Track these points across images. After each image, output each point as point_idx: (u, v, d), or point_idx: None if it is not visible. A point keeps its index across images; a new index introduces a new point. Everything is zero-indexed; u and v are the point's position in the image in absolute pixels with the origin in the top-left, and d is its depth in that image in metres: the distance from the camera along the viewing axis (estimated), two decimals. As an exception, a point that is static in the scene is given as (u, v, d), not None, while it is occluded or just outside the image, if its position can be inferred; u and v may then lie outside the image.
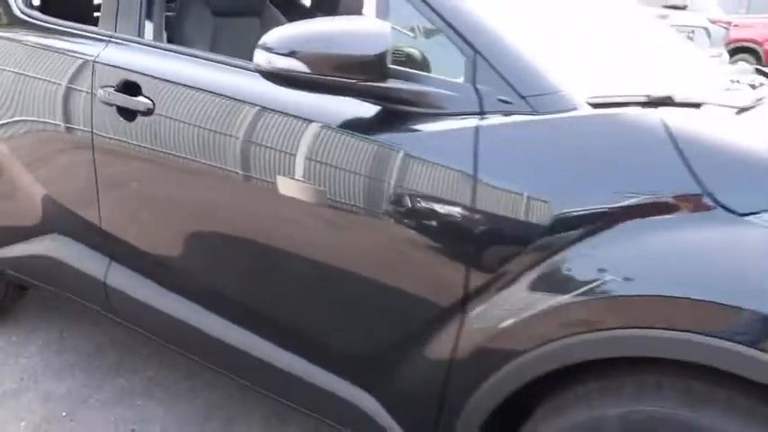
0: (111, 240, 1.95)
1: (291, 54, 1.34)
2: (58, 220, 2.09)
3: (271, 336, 1.68)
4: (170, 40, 2.23)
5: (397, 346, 1.44)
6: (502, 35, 1.36)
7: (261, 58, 1.37)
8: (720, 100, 1.40)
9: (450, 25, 1.39)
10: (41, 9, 2.32)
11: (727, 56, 9.20)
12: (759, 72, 2.00)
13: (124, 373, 2.29)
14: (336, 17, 1.39)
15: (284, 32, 1.37)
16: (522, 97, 1.30)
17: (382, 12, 1.67)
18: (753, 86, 1.70)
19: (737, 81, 1.76)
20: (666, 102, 1.34)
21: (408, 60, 1.73)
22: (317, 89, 1.38)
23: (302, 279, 1.57)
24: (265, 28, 1.86)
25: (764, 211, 1.10)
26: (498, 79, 1.33)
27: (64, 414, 2.09)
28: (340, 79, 1.34)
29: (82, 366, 2.32)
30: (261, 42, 1.38)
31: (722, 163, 1.16)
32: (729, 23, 9.79)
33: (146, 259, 1.89)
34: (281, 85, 1.39)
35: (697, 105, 1.35)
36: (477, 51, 1.35)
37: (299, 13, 2.95)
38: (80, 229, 2.03)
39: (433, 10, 1.41)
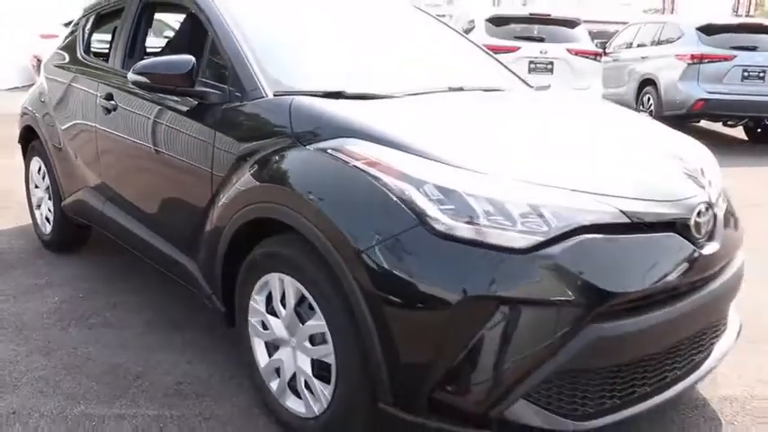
0: (99, 183, 3.35)
1: (141, 73, 2.62)
2: (85, 178, 3.52)
3: (151, 228, 2.97)
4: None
5: (194, 228, 2.63)
6: (245, 59, 2.54)
7: (129, 76, 2.67)
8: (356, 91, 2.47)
9: (227, 55, 2.60)
10: (92, 53, 3.81)
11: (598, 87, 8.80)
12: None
13: (126, 281, 3.65)
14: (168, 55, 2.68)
15: (141, 63, 2.65)
16: (244, 92, 2.48)
17: (203, 48, 2.87)
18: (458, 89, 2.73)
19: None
20: (337, 95, 2.44)
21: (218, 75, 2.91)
22: (157, 91, 2.66)
23: (158, 195, 2.87)
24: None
25: (314, 143, 2.18)
26: (238, 83, 2.51)
27: (81, 296, 3.48)
28: (168, 86, 2.60)
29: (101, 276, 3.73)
30: (132, 68, 2.67)
31: (306, 121, 2.26)
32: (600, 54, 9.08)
33: (116, 197, 3.25)
34: (141, 89, 2.69)
35: (363, 97, 2.43)
36: (232, 68, 2.55)
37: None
38: (93, 182, 3.44)
39: (222, 48, 2.63)
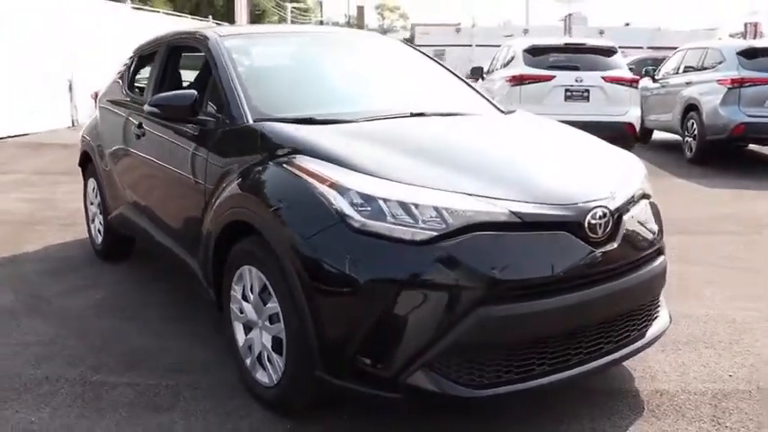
0: (134, 199, 3.96)
1: (155, 105, 3.19)
2: (124, 194, 4.14)
3: (168, 234, 3.52)
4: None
5: (195, 232, 3.15)
6: (234, 92, 3.07)
7: (145, 107, 3.26)
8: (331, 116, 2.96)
9: (222, 90, 3.14)
10: (136, 89, 4.47)
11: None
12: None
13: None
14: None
15: (154, 96, 3.23)
16: (232, 119, 3.01)
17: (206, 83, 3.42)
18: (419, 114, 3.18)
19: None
20: (308, 120, 2.93)
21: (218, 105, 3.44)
22: (167, 119, 3.23)
23: (170, 205, 3.45)
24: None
25: (275, 159, 2.67)
26: (228, 112, 3.05)
27: (118, 295, 4.08)
28: (174, 116, 3.17)
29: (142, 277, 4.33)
30: (147, 101, 3.26)
31: (271, 142, 2.75)
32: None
33: (144, 209, 3.84)
34: (155, 118, 3.27)
35: (329, 122, 2.91)
36: (225, 100, 3.09)
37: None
38: (129, 197, 4.06)
39: (220, 84, 3.18)
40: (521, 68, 8.97)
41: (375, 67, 3.82)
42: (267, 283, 2.59)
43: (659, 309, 2.89)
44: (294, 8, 51.17)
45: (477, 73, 11.40)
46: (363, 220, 2.29)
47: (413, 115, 3.20)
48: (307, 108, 3.10)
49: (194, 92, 3.15)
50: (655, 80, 11.15)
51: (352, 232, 2.29)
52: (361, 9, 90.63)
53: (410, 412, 2.63)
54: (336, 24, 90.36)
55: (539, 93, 8.74)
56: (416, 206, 2.30)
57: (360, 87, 3.54)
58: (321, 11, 68.38)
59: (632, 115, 8.73)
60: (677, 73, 10.50)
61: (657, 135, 11.38)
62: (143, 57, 4.39)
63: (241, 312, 2.82)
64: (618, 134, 8.85)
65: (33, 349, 3.28)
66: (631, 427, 2.62)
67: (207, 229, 3.01)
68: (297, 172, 2.52)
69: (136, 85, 4.47)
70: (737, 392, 2.89)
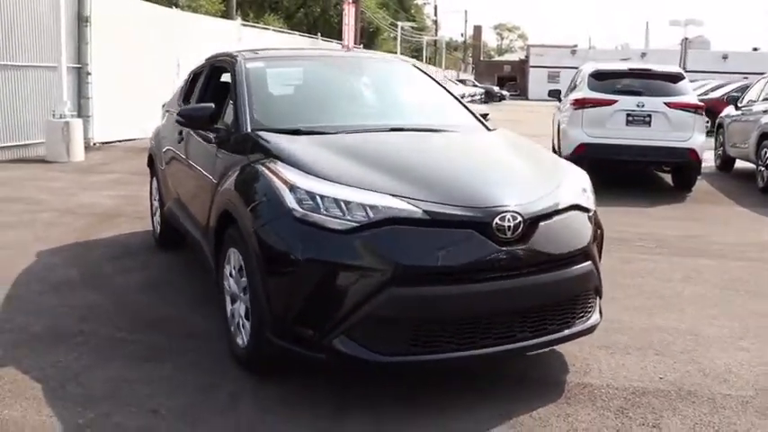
0: (176, 194, 4.67)
1: (181, 115, 3.88)
2: (172, 189, 4.88)
3: (194, 224, 4.18)
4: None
5: (205, 220, 3.78)
6: (241, 106, 3.69)
7: (175, 117, 3.94)
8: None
9: (236, 104, 3.78)
10: (188, 101, 5.22)
11: None
12: None
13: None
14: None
15: (182, 108, 3.92)
16: (238, 128, 3.63)
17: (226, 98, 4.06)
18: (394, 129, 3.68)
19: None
20: (295, 131, 3.51)
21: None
22: (190, 127, 3.91)
23: (194, 197, 4.09)
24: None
25: (255, 161, 3.25)
26: (236, 122, 3.68)
27: (163, 275, 4.80)
28: (195, 125, 3.84)
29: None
30: (177, 112, 3.95)
31: (255, 147, 3.34)
32: None
33: (181, 202, 4.54)
34: (182, 126, 3.96)
35: (313, 133, 3.48)
36: (235, 112, 3.72)
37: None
38: (174, 192, 4.78)
39: (234, 99, 3.82)
40: (584, 92, 9.18)
41: (375, 86, 4.35)
42: (242, 262, 3.16)
43: (588, 308, 3.20)
44: (410, 27, 52.45)
45: (555, 95, 11.64)
46: (304, 212, 2.83)
47: (392, 130, 3.70)
48: (300, 121, 3.68)
49: (212, 105, 3.82)
50: (737, 108, 10.93)
51: (294, 221, 2.83)
52: (478, 28, 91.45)
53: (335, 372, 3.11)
54: (453, 43, 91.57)
55: (600, 117, 8.90)
56: (347, 203, 2.81)
57: (353, 104, 4.09)
58: (436, 30, 69.43)
59: (696, 142, 8.70)
60: (758, 101, 10.28)
61: (740, 164, 11.13)
62: (197, 74, 5.14)
63: (229, 287, 3.41)
64: (680, 160, 8.90)
65: (79, 311, 4.02)
66: (540, 409, 2.97)
67: (211, 218, 3.64)
68: (266, 171, 3.09)
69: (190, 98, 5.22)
70: (656, 391, 3.16)
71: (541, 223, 2.97)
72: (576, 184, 3.33)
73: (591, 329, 3.22)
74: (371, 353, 2.75)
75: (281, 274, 2.87)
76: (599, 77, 9.27)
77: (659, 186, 9.82)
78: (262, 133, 3.47)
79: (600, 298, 3.32)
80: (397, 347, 2.78)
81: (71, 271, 4.83)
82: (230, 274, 3.36)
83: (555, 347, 3.51)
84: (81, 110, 11.58)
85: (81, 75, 11.72)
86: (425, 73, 4.57)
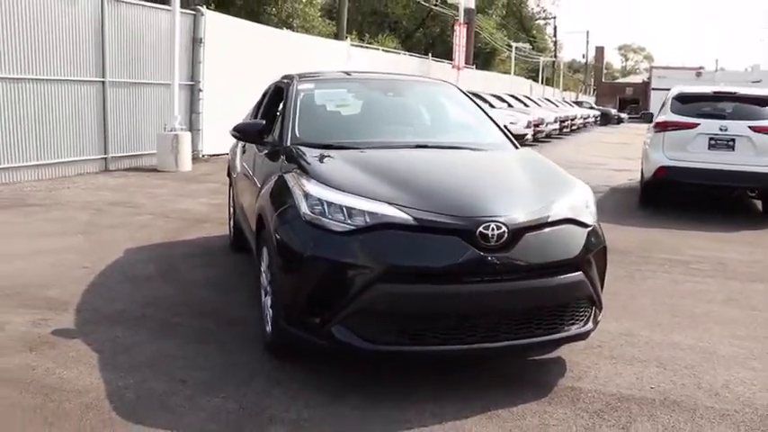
0: (240, 200, 5.25)
1: (235, 129, 4.43)
2: (240, 197, 5.46)
3: (248, 226, 4.71)
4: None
5: (253, 218, 4.28)
6: (287, 123, 4.20)
7: (230, 131, 4.50)
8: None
9: (282, 121, 4.29)
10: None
11: None
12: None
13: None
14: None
15: (236, 124, 4.47)
16: (281, 142, 4.13)
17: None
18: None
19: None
20: (327, 146, 3.97)
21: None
22: (243, 140, 4.46)
23: (247, 201, 4.61)
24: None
25: (285, 171, 3.72)
26: (280, 137, 4.18)
27: (226, 272, 5.38)
28: (248, 139, 4.39)
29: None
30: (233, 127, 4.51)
31: (287, 159, 3.81)
32: None
33: (242, 207, 5.10)
34: (237, 139, 4.52)
35: (342, 147, 3.93)
36: (281, 128, 4.22)
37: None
38: (241, 199, 5.36)
39: (284, 117, 4.32)
40: (666, 115, 9.09)
41: (413, 106, 4.73)
42: (269, 259, 3.63)
43: (579, 316, 3.41)
44: (527, 48, 52.08)
45: (647, 118, 11.50)
46: (312, 215, 3.25)
47: (417, 146, 4.07)
48: (334, 137, 4.13)
49: (263, 121, 4.35)
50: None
51: (304, 224, 3.26)
52: (600, 49, 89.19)
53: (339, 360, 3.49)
54: (576, 64, 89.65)
55: (682, 140, 8.79)
56: (350, 209, 3.21)
57: (387, 122, 4.50)
58: (555, 51, 68.46)
59: (779, 167, 8.40)
60: None
61: None
62: (265, 93, 5.72)
63: (263, 282, 3.88)
64: (764, 185, 8.61)
65: (146, 299, 4.64)
66: (521, 405, 3.21)
67: (253, 221, 4.15)
68: (290, 181, 3.55)
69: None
70: (641, 398, 3.31)
71: (528, 234, 3.23)
72: (576, 201, 3.55)
73: (580, 336, 3.43)
74: (363, 341, 3.12)
75: (292, 269, 3.30)
76: (683, 100, 9.16)
77: (751, 212, 9.54)
78: (294, 147, 3.94)
79: (598, 308, 3.51)
80: (386, 338, 3.13)
81: (149, 266, 5.51)
82: (263, 271, 3.84)
83: (559, 354, 3.75)
84: (192, 124, 12.69)
85: (193, 91, 12.86)
86: (468, 95, 4.90)
